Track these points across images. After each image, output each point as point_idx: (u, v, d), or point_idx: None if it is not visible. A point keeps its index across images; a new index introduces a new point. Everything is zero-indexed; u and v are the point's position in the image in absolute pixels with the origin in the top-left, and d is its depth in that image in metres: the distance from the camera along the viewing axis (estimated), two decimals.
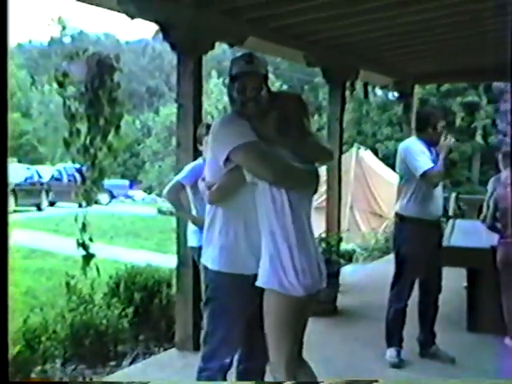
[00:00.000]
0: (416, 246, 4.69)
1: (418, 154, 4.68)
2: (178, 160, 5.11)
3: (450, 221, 7.75)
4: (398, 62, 8.20)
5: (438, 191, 4.79)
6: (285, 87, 37.27)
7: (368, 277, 8.59)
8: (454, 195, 9.93)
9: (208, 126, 4.66)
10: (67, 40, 57.77)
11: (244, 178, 2.84)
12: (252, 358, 3.12)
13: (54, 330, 4.88)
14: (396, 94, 9.84)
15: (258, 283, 2.83)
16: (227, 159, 2.80)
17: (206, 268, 3.02)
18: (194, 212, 4.79)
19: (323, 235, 6.94)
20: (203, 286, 3.13)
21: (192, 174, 4.59)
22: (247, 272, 2.87)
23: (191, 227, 4.80)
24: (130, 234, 15.82)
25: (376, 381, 2.90)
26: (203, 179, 3.04)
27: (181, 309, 5.16)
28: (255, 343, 3.04)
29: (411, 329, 4.97)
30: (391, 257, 5.10)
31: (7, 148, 2.14)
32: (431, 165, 4.62)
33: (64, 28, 58.74)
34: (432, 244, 4.79)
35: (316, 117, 35.99)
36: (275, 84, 37.11)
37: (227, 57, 47.19)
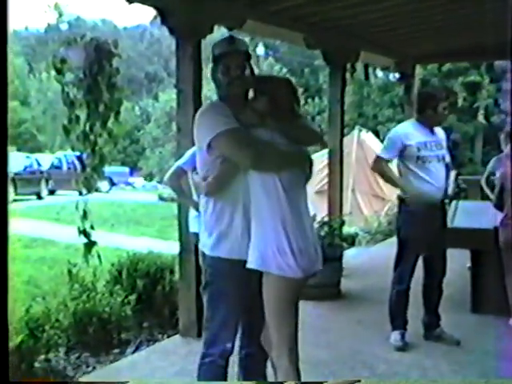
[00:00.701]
0: (417, 226, 4.70)
1: (389, 139, 4.84)
2: (178, 146, 5.11)
3: (453, 202, 7.75)
4: (399, 43, 8.15)
5: (440, 171, 4.80)
6: (284, 71, 37.15)
7: (371, 260, 8.60)
8: (453, 174, 9.90)
9: None
10: (64, 26, 57.48)
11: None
12: (253, 343, 3.14)
13: (57, 318, 4.89)
14: (397, 75, 9.77)
15: (254, 266, 2.84)
16: (209, 147, 2.83)
17: (204, 254, 3.05)
18: (195, 197, 4.79)
19: (325, 219, 6.95)
20: (202, 271, 3.15)
21: (193, 159, 4.55)
22: (245, 257, 2.89)
23: (193, 213, 4.80)
24: (131, 221, 15.83)
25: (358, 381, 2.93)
26: (196, 172, 3.06)
27: (184, 295, 5.18)
28: (255, 328, 3.07)
29: (415, 311, 4.98)
30: (394, 240, 5.12)
31: (7, 137, 2.14)
32: (387, 155, 4.79)
33: (61, 14, 58.50)
34: (434, 225, 4.80)
35: (317, 99, 35.91)
36: (275, 67, 37.03)
37: None
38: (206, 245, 3.01)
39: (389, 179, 4.95)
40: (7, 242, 2.12)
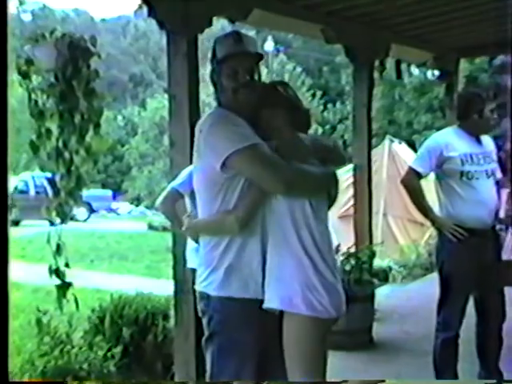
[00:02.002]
0: (463, 260, 4.67)
1: (426, 148, 4.84)
2: (171, 163, 5.11)
3: (510, 228, 7.69)
4: (438, 32, 8.14)
5: (489, 190, 4.77)
6: (298, 70, 37.40)
7: (409, 300, 8.55)
8: (505, 193, 9.82)
9: None
10: (27, 17, 57.65)
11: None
12: None
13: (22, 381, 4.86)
14: (436, 72, 9.76)
15: (277, 306, 2.86)
16: (224, 166, 2.84)
17: (206, 296, 3.03)
18: None
19: (352, 250, 6.92)
20: (204, 319, 3.12)
21: (190, 180, 4.59)
22: (260, 295, 2.89)
23: (191, 245, 4.79)
24: (115, 255, 15.87)
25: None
26: (188, 215, 3.09)
27: (180, 346, 5.15)
28: (272, 379, 3.06)
29: (468, 365, 4.92)
30: (436, 275, 5.07)
31: (7, 137, 2.34)
32: (422, 168, 4.77)
33: (21, 2, 58.82)
34: (485, 258, 4.75)
35: (338, 104, 36.10)
36: (286, 66, 37.26)
37: None
38: (210, 283, 2.99)
39: (416, 200, 4.91)
40: (7, 243, 2.29)
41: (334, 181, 3.06)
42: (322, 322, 2.86)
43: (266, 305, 2.87)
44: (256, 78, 3.01)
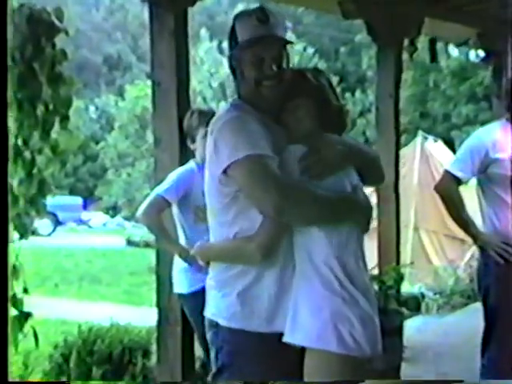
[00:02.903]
0: None
1: (467, 147, 4.85)
2: (156, 165, 5.13)
3: None
4: (484, 2, 8.13)
5: None
6: (310, 51, 37.46)
7: (446, 336, 8.53)
8: None
9: (202, 114, 4.69)
10: None
11: None
12: None
13: None
14: (481, 52, 9.74)
15: (303, 343, 2.92)
16: (225, 174, 2.92)
17: (215, 325, 3.09)
18: (182, 241, 4.78)
19: (375, 271, 6.91)
20: (212, 352, 3.16)
21: (179, 186, 4.62)
22: (280, 328, 2.96)
23: (179, 264, 4.80)
24: (86, 278, 15.84)
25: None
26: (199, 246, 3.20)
27: None
28: None
29: None
30: (480, 305, 5.06)
31: (8, 148, 2.45)
32: (461, 171, 4.76)
33: None
34: None
35: (358, 94, 36.14)
36: (296, 46, 37.29)
37: (223, 9, 47.71)
38: (219, 311, 3.07)
39: (454, 211, 4.90)
40: (7, 243, 2.46)
41: (361, 206, 3.09)
42: (353, 360, 2.90)
43: (287, 339, 2.93)
44: (284, 66, 3.06)
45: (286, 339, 2.94)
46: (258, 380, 2.99)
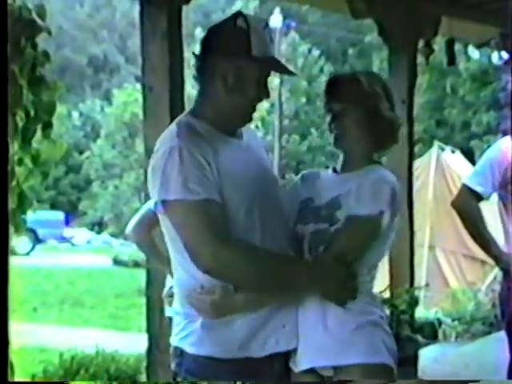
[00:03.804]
0: None
1: (487, 160, 4.86)
2: (147, 177, 5.12)
3: None
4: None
5: None
6: (316, 53, 37.57)
7: (467, 367, 8.49)
8: None
9: None
10: None
11: None
12: None
13: None
14: (504, 54, 9.76)
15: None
16: (164, 205, 2.99)
17: (179, 354, 3.08)
18: None
19: (385, 294, 6.91)
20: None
21: None
22: (255, 353, 3.01)
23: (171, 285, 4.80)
24: (68, 301, 15.80)
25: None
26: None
27: None
28: None
29: None
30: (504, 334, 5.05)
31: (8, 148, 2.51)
32: (480, 186, 4.75)
33: None
34: None
35: None
36: (300, 48, 37.44)
37: (219, 6, 47.71)
38: (186, 336, 3.06)
39: (473, 229, 4.89)
40: (7, 254, 2.56)
41: (324, 275, 3.09)
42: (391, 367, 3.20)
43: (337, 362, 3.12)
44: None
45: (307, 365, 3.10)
46: None
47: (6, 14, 2.62)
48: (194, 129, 3.01)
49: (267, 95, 3.12)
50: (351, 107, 3.19)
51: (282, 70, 3.27)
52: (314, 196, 3.27)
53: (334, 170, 3.36)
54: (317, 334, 3.11)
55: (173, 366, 3.17)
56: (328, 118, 3.26)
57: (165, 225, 3.06)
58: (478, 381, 4.21)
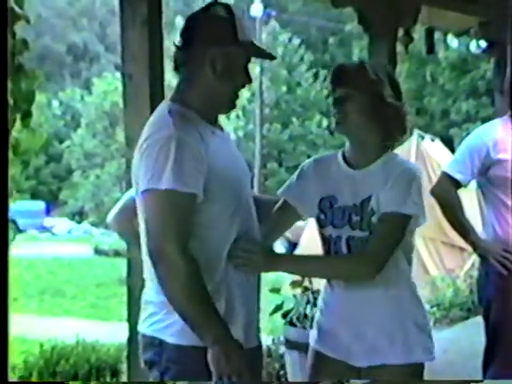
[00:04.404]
0: None
1: (466, 147, 4.86)
2: (128, 165, 5.09)
3: None
4: None
5: None
6: (296, 42, 37.56)
7: (445, 352, 8.48)
8: None
9: None
10: None
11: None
12: None
13: None
14: (483, 43, 9.76)
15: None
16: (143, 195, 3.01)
17: (158, 343, 3.09)
18: None
19: None
20: (154, 372, 3.17)
21: None
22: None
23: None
24: (48, 291, 15.82)
25: None
26: None
27: None
28: None
29: None
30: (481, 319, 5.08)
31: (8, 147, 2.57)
32: (460, 173, 4.76)
33: None
34: None
35: None
36: (280, 37, 37.42)
37: None
38: (166, 327, 3.07)
39: (452, 216, 4.91)
40: (7, 254, 2.67)
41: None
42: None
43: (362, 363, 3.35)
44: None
45: (360, 364, 3.34)
46: None
47: (6, 14, 2.60)
48: (186, 117, 3.02)
49: (250, 81, 3.16)
50: (355, 92, 3.23)
51: (264, 54, 3.31)
52: (336, 194, 3.29)
53: (344, 159, 3.38)
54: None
55: (148, 355, 3.18)
56: (331, 104, 3.33)
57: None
58: (481, 381, 4.26)
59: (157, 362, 3.11)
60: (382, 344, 3.33)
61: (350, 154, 3.35)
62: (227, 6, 3.10)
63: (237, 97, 3.14)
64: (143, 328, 3.17)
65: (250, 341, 3.12)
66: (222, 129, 3.19)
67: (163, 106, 3.14)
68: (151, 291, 3.16)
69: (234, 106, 3.19)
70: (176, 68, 3.14)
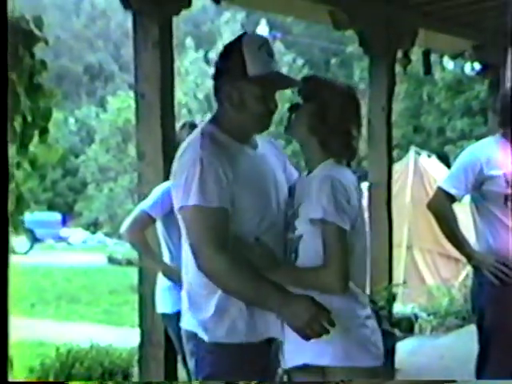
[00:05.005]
0: (509, 308, 4.65)
1: (460, 164, 4.87)
2: (140, 179, 5.14)
3: None
4: (479, 13, 8.14)
5: None
6: (299, 62, 37.50)
7: (440, 358, 8.48)
8: None
9: (193, 127, 4.74)
10: None
11: None
12: None
13: None
14: (477, 65, 9.75)
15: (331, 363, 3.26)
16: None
17: (195, 335, 3.19)
18: (166, 259, 4.79)
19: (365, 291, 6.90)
20: (192, 362, 3.25)
21: (164, 201, 4.61)
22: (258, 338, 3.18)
23: (163, 283, 4.80)
24: (64, 298, 15.73)
25: None
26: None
27: None
28: None
29: None
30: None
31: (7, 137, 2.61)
32: (454, 188, 4.77)
33: None
34: None
35: None
36: (285, 58, 37.33)
37: (209, 17, 47.62)
38: (197, 324, 3.21)
39: (447, 229, 4.92)
40: (7, 254, 2.61)
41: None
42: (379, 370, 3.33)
43: (314, 361, 3.25)
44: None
45: (311, 362, 3.25)
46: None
47: (5, 14, 2.62)
48: (216, 139, 3.16)
49: (275, 107, 3.23)
50: (305, 104, 3.29)
51: (284, 84, 3.34)
52: (294, 201, 3.33)
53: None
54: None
55: (189, 346, 3.31)
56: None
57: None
58: (454, 381, 4.24)
59: (195, 352, 3.25)
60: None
61: (305, 162, 3.45)
62: (241, 42, 3.17)
63: (268, 121, 3.26)
64: (182, 323, 3.33)
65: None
66: (255, 146, 3.29)
67: (199, 127, 3.32)
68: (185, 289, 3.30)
69: (265, 128, 3.30)
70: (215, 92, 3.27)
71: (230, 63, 3.16)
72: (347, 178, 3.27)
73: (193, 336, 3.22)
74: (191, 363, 3.26)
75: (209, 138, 3.14)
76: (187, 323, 3.27)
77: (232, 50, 3.19)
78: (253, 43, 3.19)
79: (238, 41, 3.18)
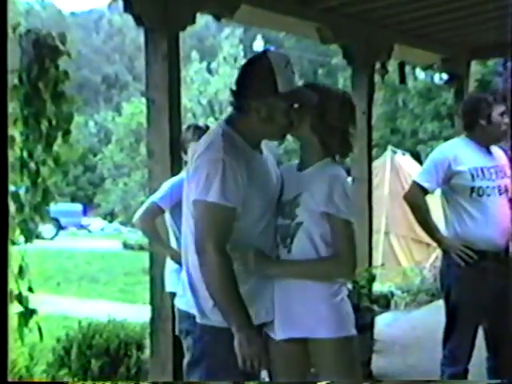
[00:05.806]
0: (472, 286, 4.69)
1: (432, 161, 4.88)
2: (150, 175, 5.12)
3: None
4: (447, 31, 8.14)
5: (502, 209, 4.76)
6: None
7: (413, 330, 8.53)
8: None
9: (197, 129, 4.74)
10: None
11: None
12: None
13: None
14: (445, 75, 9.76)
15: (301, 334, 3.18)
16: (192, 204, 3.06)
17: (193, 316, 3.11)
18: (173, 244, 4.78)
19: None
20: (187, 341, 3.20)
21: (172, 194, 4.61)
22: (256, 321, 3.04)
23: (171, 265, 4.79)
24: (85, 278, 15.75)
25: None
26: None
27: (157, 379, 5.12)
28: None
29: None
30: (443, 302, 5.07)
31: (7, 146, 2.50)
32: (427, 183, 4.79)
33: None
34: (497, 284, 4.72)
35: None
36: None
37: (211, 33, 47.63)
38: (193, 305, 3.13)
39: (420, 218, 4.94)
40: (7, 254, 2.45)
41: None
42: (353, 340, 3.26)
43: (286, 334, 3.19)
44: None
45: (283, 335, 3.18)
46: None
47: (5, 14, 2.54)
48: (234, 142, 3.07)
49: (289, 125, 3.17)
50: (307, 107, 3.21)
51: (306, 99, 3.18)
52: (284, 192, 3.26)
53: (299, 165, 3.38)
54: (293, 309, 3.15)
55: (184, 326, 3.26)
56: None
57: None
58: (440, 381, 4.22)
59: (191, 331, 3.17)
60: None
61: (300, 159, 3.38)
62: (270, 60, 3.07)
63: (288, 130, 3.21)
64: (178, 303, 3.29)
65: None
66: (261, 152, 3.23)
67: (218, 127, 3.20)
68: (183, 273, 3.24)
69: (284, 138, 3.27)
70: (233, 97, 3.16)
71: (261, 80, 3.05)
72: (346, 175, 3.30)
73: (190, 316, 3.13)
74: (186, 341, 3.20)
75: (229, 140, 3.05)
76: (185, 304, 3.19)
77: (262, 68, 3.06)
78: (280, 61, 3.09)
79: (266, 58, 3.08)
